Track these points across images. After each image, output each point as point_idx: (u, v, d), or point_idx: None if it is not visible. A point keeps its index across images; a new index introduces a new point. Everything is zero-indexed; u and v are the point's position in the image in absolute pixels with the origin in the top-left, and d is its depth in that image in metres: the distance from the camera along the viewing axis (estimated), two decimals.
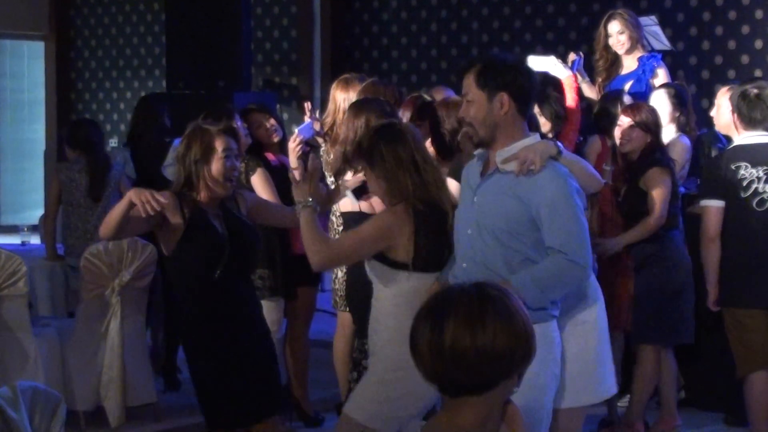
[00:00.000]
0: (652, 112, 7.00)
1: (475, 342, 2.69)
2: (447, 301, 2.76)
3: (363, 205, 6.10)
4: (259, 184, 6.79)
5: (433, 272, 4.90)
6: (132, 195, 5.02)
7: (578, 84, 7.69)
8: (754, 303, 6.43)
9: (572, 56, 7.79)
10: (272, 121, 7.38)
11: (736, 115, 6.53)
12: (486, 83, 4.55)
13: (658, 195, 6.76)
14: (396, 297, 4.90)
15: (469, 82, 4.60)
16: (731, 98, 6.70)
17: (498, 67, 4.58)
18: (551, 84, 6.67)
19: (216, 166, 5.23)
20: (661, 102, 7.45)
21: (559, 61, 7.64)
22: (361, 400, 4.97)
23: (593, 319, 4.93)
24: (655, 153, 6.86)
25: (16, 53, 16.69)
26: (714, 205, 6.52)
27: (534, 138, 4.59)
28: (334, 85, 7.09)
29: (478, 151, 4.68)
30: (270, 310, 6.98)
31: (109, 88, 15.47)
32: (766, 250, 6.41)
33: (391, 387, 4.87)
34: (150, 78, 14.92)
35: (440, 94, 8.59)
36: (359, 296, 5.62)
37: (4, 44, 16.63)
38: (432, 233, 4.87)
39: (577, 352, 4.86)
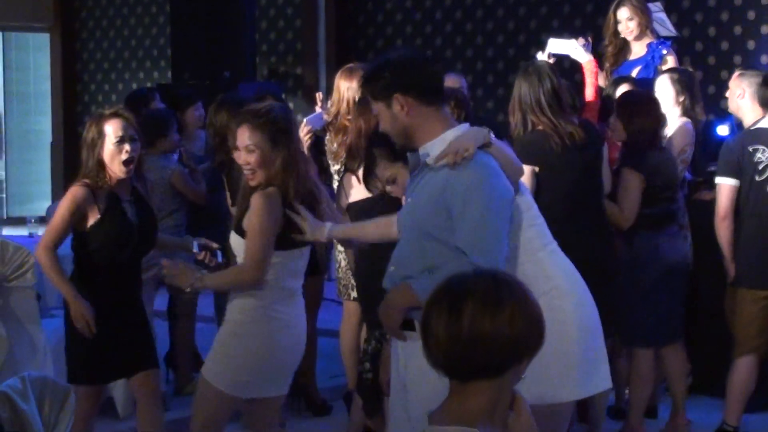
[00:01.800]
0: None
1: (493, 324, 2.71)
2: (462, 285, 2.78)
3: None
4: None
5: (290, 249, 5.09)
6: (73, 313, 5.51)
7: (598, 69, 7.68)
8: (762, 284, 6.51)
9: (580, 41, 7.77)
10: None
11: (756, 99, 6.60)
12: (377, 92, 4.29)
13: (624, 196, 6.64)
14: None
15: (368, 97, 4.39)
16: (745, 84, 6.78)
17: (378, 72, 4.30)
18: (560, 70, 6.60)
19: (108, 150, 5.52)
20: (663, 86, 7.41)
21: (581, 44, 7.65)
22: (216, 363, 5.15)
23: (571, 307, 4.73)
24: (630, 148, 6.73)
25: (22, 45, 16.70)
26: (727, 183, 6.60)
27: (461, 128, 4.30)
28: (338, 75, 7.09)
29: (410, 153, 4.42)
30: None
31: (114, 79, 15.48)
32: None
33: (247, 358, 5.06)
34: (155, 68, 14.92)
35: (451, 83, 8.62)
36: (370, 286, 5.63)
37: (9, 36, 16.64)
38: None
39: (554, 344, 4.58)
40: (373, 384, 6.05)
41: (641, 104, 6.71)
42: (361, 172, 6.00)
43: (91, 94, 15.74)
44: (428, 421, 2.82)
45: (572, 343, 4.71)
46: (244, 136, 5.06)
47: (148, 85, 14.35)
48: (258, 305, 5.05)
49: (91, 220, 5.53)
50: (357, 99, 6.56)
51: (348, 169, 6.43)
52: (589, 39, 7.88)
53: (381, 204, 5.74)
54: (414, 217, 4.28)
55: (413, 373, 4.28)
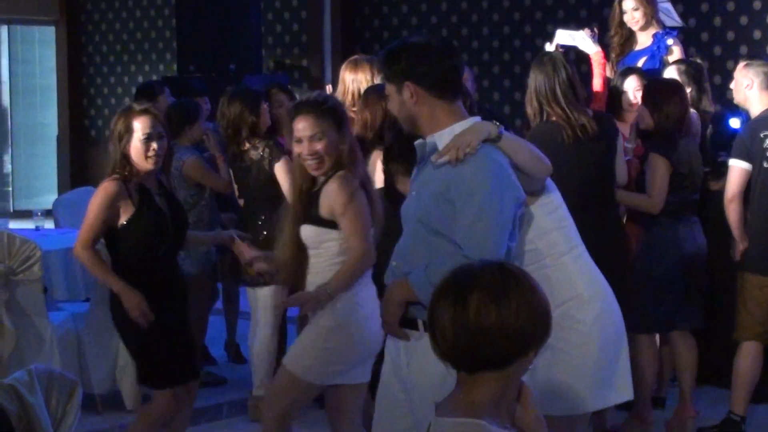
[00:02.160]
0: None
1: (500, 315, 2.72)
2: (469, 276, 2.79)
3: None
4: (282, 173, 6.84)
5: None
6: (127, 303, 5.44)
7: (606, 60, 7.67)
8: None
9: (587, 32, 7.77)
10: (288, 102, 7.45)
11: (764, 88, 6.62)
12: (390, 76, 4.19)
13: (652, 181, 6.66)
14: (336, 257, 5.16)
15: (382, 77, 4.28)
16: (752, 73, 6.80)
17: (395, 55, 4.17)
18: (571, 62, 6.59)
19: (135, 147, 5.51)
20: (672, 77, 7.42)
21: (588, 35, 7.64)
22: (297, 351, 5.24)
23: (591, 318, 4.63)
24: (657, 136, 6.77)
25: (27, 39, 16.71)
26: (738, 165, 6.63)
27: (470, 121, 4.17)
28: (343, 67, 7.11)
29: (417, 142, 4.29)
30: (272, 297, 7.01)
31: (120, 72, 15.48)
32: None
33: (326, 341, 5.14)
34: (161, 61, 14.92)
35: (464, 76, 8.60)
36: (381, 274, 5.65)
37: (15, 30, 16.65)
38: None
39: (572, 355, 4.61)
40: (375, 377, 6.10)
41: (669, 92, 6.75)
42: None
43: (96, 87, 15.75)
44: (435, 413, 2.82)
45: (592, 355, 4.63)
46: (308, 126, 5.12)
47: (154, 77, 14.36)
48: (346, 294, 5.13)
49: (126, 216, 5.48)
50: (363, 91, 6.58)
51: None
52: (596, 30, 7.86)
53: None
54: (418, 210, 4.18)
55: (418, 375, 4.16)
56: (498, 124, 4.20)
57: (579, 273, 4.66)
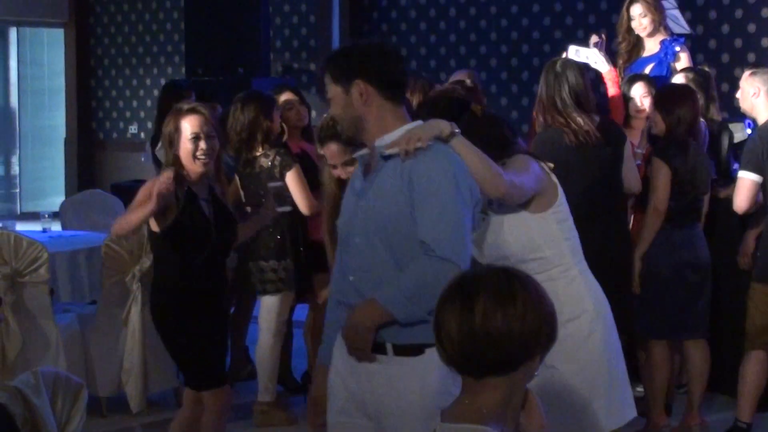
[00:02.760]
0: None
1: (506, 319, 2.70)
2: (475, 281, 2.78)
3: None
4: (293, 182, 6.81)
5: None
6: (153, 189, 5.23)
7: (618, 78, 7.67)
8: None
9: (594, 38, 7.78)
10: (304, 106, 7.44)
11: None
12: (338, 75, 4.03)
13: (654, 185, 6.64)
14: None
15: (327, 79, 4.09)
16: (759, 82, 6.80)
17: (347, 54, 4.08)
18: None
19: (184, 147, 5.44)
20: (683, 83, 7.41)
21: (594, 41, 7.67)
22: None
23: (593, 333, 4.55)
24: (666, 140, 6.76)
25: (36, 41, 16.73)
26: (747, 177, 6.60)
27: (418, 123, 4.04)
28: None
29: (358, 154, 4.15)
30: (277, 304, 7.02)
31: (128, 74, 15.49)
32: None
33: None
34: (169, 64, 14.93)
35: (463, 75, 8.64)
36: None
37: (23, 32, 16.67)
38: None
39: (585, 374, 4.54)
40: None
41: (682, 97, 6.75)
42: None
43: (105, 89, 15.77)
44: (441, 419, 2.82)
45: (604, 374, 4.61)
46: (336, 154, 5.66)
47: (162, 81, 14.37)
48: None
49: (170, 217, 5.38)
50: None
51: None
52: (603, 36, 7.87)
53: None
54: (375, 217, 3.94)
55: (391, 402, 3.92)
56: (453, 124, 4.06)
57: (587, 288, 4.65)
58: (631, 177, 6.55)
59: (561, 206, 4.63)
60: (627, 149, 6.56)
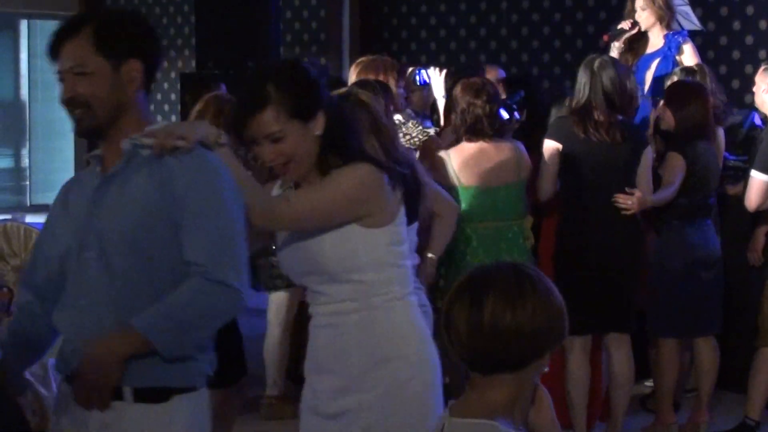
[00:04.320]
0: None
1: (515, 318, 2.72)
2: (484, 278, 2.79)
3: None
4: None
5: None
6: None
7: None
8: None
9: (606, 38, 7.86)
10: None
11: None
12: (110, 46, 3.41)
13: (667, 179, 6.64)
14: None
15: (82, 46, 3.40)
16: None
17: (124, 25, 3.48)
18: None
19: None
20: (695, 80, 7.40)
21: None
22: None
23: (412, 380, 3.81)
24: (677, 136, 6.76)
25: (47, 33, 16.65)
26: (759, 177, 6.61)
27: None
28: (352, 68, 7.11)
29: (92, 154, 3.56)
30: (286, 299, 7.03)
31: None
32: None
33: None
34: (179, 58, 14.92)
35: (493, 74, 8.66)
36: None
37: (34, 24, 16.67)
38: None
39: (379, 419, 3.79)
40: None
41: (691, 93, 6.76)
42: None
43: None
44: (449, 413, 2.81)
45: (413, 426, 3.80)
46: None
47: (172, 74, 14.37)
48: None
49: None
50: None
51: None
52: (605, 38, 7.95)
53: None
54: (114, 230, 3.35)
55: None
56: (221, 132, 3.58)
57: (412, 325, 3.89)
58: (643, 189, 6.53)
59: (398, 227, 3.87)
60: (646, 157, 6.53)
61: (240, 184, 3.50)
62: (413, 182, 5.14)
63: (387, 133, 5.16)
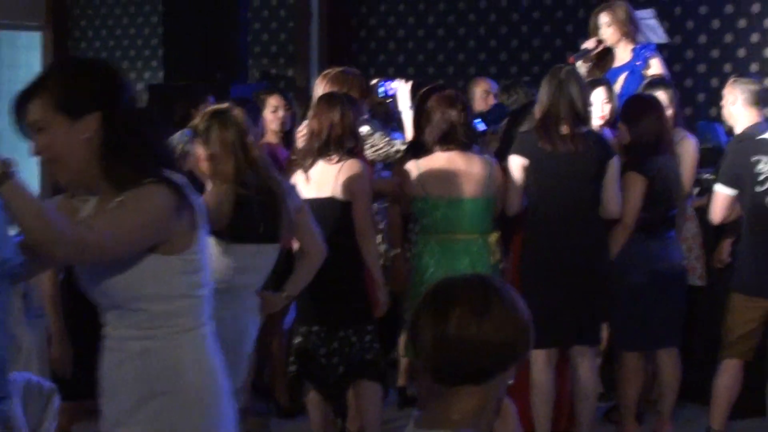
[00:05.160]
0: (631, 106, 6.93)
1: (480, 330, 2.70)
2: (450, 290, 2.78)
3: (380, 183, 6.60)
4: None
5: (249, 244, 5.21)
6: None
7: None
8: (756, 292, 6.63)
9: (571, 59, 7.91)
10: (281, 111, 7.41)
11: (748, 105, 6.67)
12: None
13: (626, 199, 6.62)
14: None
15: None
16: (738, 90, 6.88)
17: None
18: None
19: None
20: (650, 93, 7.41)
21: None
22: None
23: (183, 402, 3.62)
24: (634, 152, 6.76)
25: (13, 43, 16.64)
26: (723, 191, 6.64)
27: None
28: (318, 80, 7.11)
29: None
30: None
31: None
32: None
33: None
34: (147, 69, 14.88)
35: (482, 86, 8.68)
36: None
37: (0, 35, 16.59)
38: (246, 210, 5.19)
39: None
40: (297, 379, 6.30)
41: (644, 107, 6.75)
42: (311, 171, 6.25)
43: None
44: (413, 425, 2.80)
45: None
46: None
47: (139, 86, 14.32)
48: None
49: None
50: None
51: (300, 167, 6.42)
52: (571, 59, 7.97)
53: (329, 205, 5.86)
54: None
55: None
56: (9, 162, 3.38)
57: (196, 361, 3.66)
58: (610, 201, 6.53)
59: (196, 254, 3.62)
60: (612, 168, 6.54)
61: (34, 217, 3.31)
62: (270, 205, 5.28)
63: (250, 153, 5.27)
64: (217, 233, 5.10)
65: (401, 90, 7.44)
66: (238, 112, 5.34)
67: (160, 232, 3.49)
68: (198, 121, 5.36)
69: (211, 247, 4.95)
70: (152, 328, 3.57)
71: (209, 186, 5.31)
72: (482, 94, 8.77)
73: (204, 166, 5.31)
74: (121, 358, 3.62)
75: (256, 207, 5.22)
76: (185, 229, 3.55)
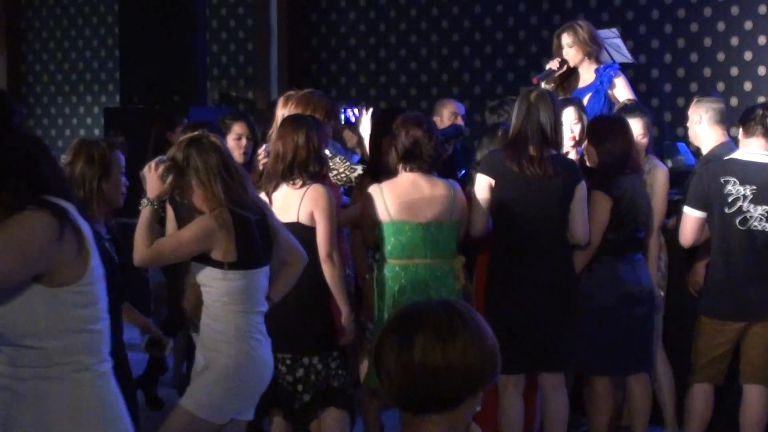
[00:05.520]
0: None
1: (446, 356, 2.69)
2: (415, 315, 2.74)
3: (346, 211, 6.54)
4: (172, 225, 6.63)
5: (253, 269, 5.19)
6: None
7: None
8: (727, 315, 6.60)
9: (535, 81, 7.93)
10: (245, 140, 7.37)
11: (713, 124, 6.66)
12: None
13: (591, 219, 6.62)
14: (222, 296, 5.16)
15: None
16: (702, 110, 6.90)
17: None
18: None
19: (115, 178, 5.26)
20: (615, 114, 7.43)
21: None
22: (197, 392, 5.20)
23: None
24: (600, 172, 6.78)
25: None
26: (692, 214, 6.63)
27: None
28: (280, 102, 7.09)
29: None
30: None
31: (61, 103, 15.36)
32: (744, 268, 6.53)
33: (228, 380, 5.15)
34: (103, 92, 14.83)
35: (449, 108, 8.68)
36: (277, 310, 5.68)
37: None
38: (247, 234, 5.15)
39: None
40: (261, 406, 6.14)
41: (611, 128, 6.75)
42: (275, 195, 6.21)
43: (36, 117, 15.61)
44: None
45: None
46: None
47: (95, 109, 14.28)
48: (244, 333, 5.24)
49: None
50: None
51: (262, 190, 6.39)
52: (534, 80, 7.98)
53: (293, 230, 5.84)
54: None
55: None
56: None
57: (96, 402, 3.54)
58: (577, 226, 6.52)
59: (89, 286, 3.50)
60: (580, 191, 6.53)
61: None
62: (262, 227, 5.24)
63: (236, 177, 5.21)
64: (229, 262, 5.12)
65: (363, 117, 7.45)
66: (214, 137, 5.31)
67: (41, 261, 3.34)
68: (175, 151, 5.30)
69: (227, 276, 5.12)
70: (47, 366, 3.43)
71: (206, 216, 5.20)
72: (450, 116, 8.77)
73: (193, 194, 5.25)
74: (14, 398, 3.47)
75: (255, 228, 5.21)
76: (70, 257, 3.40)
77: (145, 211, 5.25)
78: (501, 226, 6.54)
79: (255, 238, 5.19)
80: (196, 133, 5.40)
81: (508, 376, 6.41)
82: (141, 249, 5.19)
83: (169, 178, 5.23)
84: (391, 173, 6.52)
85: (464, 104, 11.88)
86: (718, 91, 10.19)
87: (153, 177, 5.23)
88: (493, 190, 6.48)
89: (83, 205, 4.80)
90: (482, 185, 6.53)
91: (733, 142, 7.23)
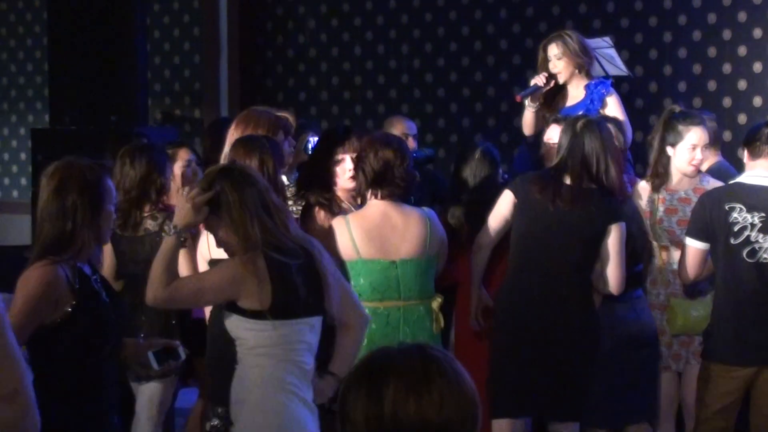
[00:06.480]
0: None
1: (420, 408, 2.68)
2: (384, 362, 2.71)
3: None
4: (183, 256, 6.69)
5: (291, 319, 5.06)
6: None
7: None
8: (735, 360, 6.55)
9: (518, 99, 7.96)
10: (194, 165, 7.40)
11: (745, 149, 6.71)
12: None
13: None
14: (253, 348, 5.08)
15: None
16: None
17: None
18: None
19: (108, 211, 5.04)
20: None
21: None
22: None
23: None
24: None
25: None
26: (694, 246, 6.62)
27: None
28: (234, 123, 7.08)
29: None
30: (160, 391, 6.96)
31: None
32: (753, 306, 6.48)
33: None
34: (30, 111, 14.76)
35: (399, 128, 8.68)
36: (219, 360, 5.65)
37: None
38: (284, 281, 5.02)
39: None
40: None
41: None
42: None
43: None
44: None
45: None
46: None
47: (22, 131, 14.24)
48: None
49: (61, 309, 4.83)
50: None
51: None
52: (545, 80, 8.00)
53: None
54: None
55: None
56: None
57: None
58: (608, 271, 6.54)
59: None
60: (615, 234, 6.52)
61: None
62: (307, 273, 5.10)
63: (276, 215, 5.07)
64: (260, 312, 5.03)
65: None
66: (250, 168, 5.28)
67: None
68: (204, 182, 5.10)
69: (256, 326, 5.04)
70: None
71: (235, 260, 5.06)
72: (401, 137, 8.82)
73: (223, 233, 5.09)
74: None
75: (296, 274, 5.07)
76: None
77: (169, 241, 5.12)
78: (516, 255, 6.59)
79: (294, 286, 5.05)
80: (228, 162, 5.32)
81: (504, 420, 6.32)
82: (157, 287, 5.07)
83: (205, 209, 5.08)
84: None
85: (439, 122, 11.94)
86: (724, 107, 10.24)
87: (187, 205, 5.05)
88: (515, 209, 6.54)
89: (69, 240, 4.80)
90: (506, 200, 6.61)
91: (728, 162, 7.29)
